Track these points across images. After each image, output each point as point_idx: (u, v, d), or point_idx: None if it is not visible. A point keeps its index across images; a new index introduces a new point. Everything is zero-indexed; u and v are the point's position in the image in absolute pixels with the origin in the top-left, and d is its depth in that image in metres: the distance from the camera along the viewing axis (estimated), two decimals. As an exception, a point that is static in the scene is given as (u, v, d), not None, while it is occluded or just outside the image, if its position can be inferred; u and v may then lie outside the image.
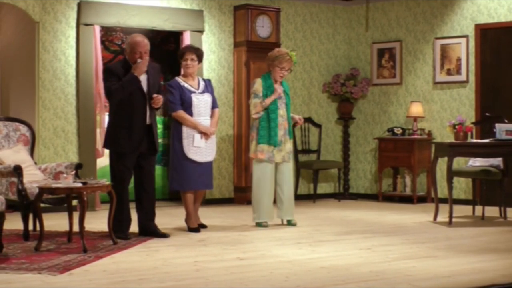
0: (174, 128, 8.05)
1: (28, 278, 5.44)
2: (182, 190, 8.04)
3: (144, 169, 7.54)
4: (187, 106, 7.98)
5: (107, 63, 10.19)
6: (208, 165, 8.11)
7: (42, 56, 9.64)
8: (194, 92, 8.02)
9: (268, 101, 8.25)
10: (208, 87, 8.18)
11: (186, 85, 8.02)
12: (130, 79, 7.28)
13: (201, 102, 8.03)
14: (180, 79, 8.08)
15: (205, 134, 8.00)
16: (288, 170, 8.40)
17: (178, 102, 7.95)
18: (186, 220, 8.08)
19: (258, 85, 8.34)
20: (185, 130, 7.98)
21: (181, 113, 7.97)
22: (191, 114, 7.98)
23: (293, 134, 8.60)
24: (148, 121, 7.46)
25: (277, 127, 8.26)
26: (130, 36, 7.55)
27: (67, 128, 9.80)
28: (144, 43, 7.40)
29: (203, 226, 8.17)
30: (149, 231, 7.54)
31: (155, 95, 7.40)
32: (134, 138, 7.37)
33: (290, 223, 8.43)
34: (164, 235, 7.50)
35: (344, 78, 11.76)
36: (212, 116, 8.13)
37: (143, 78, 7.44)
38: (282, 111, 8.33)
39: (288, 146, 8.37)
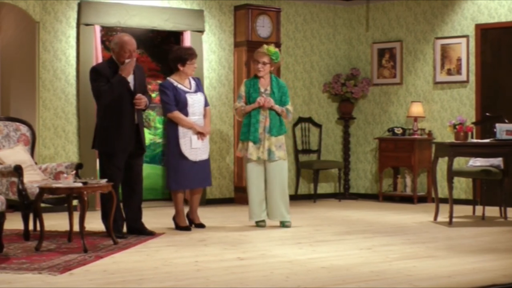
0: (169, 128, 8.07)
1: (28, 278, 5.44)
2: (179, 190, 8.03)
3: (133, 169, 7.58)
4: (182, 106, 7.99)
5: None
6: (204, 163, 8.11)
7: (42, 56, 9.64)
8: (188, 92, 8.05)
9: (249, 108, 8.24)
10: (199, 85, 8.21)
11: (179, 85, 8.04)
12: (119, 80, 7.34)
13: (195, 102, 8.06)
14: (173, 80, 8.08)
15: (201, 134, 8.02)
16: (273, 169, 8.23)
17: (173, 103, 7.96)
18: (175, 218, 8.10)
19: (242, 86, 8.41)
20: (181, 130, 7.99)
21: (177, 114, 7.97)
22: (186, 114, 7.99)
23: (291, 131, 8.44)
24: (135, 120, 7.49)
25: (257, 123, 8.20)
26: (117, 36, 7.61)
27: (68, 128, 9.80)
28: (133, 42, 7.49)
29: (201, 225, 8.17)
30: (137, 229, 7.60)
31: (138, 95, 7.44)
32: (124, 138, 7.40)
33: (283, 224, 8.32)
34: (151, 233, 7.58)
35: (344, 78, 11.76)
36: (205, 115, 8.15)
37: (130, 79, 7.49)
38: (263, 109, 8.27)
39: (268, 143, 8.19)
